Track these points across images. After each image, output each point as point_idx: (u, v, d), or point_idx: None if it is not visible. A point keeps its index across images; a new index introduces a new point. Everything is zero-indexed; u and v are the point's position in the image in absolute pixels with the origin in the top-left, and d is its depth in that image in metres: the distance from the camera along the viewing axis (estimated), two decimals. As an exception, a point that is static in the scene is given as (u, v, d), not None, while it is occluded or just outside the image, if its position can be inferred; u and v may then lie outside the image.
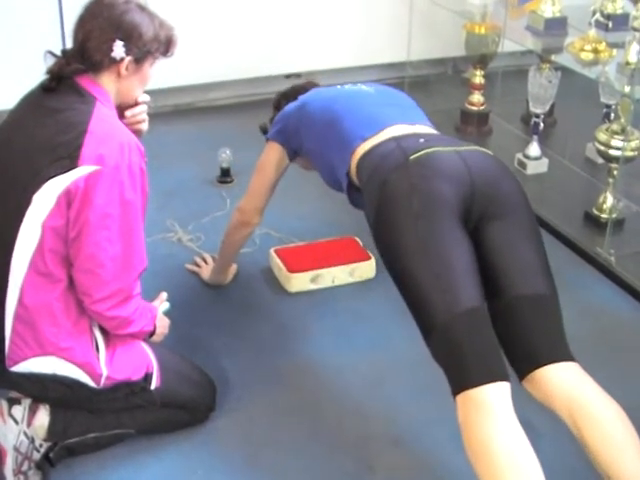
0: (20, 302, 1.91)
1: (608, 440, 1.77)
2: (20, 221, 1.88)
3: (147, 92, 2.16)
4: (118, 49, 1.95)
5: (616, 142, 3.11)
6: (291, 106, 2.52)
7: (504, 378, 1.79)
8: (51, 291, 1.92)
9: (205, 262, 2.91)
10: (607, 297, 2.87)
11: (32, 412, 2.02)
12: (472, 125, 4.07)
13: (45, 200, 1.86)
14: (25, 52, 3.43)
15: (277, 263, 2.86)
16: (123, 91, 2.05)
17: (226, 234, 2.71)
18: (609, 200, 3.22)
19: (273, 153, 2.55)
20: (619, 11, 3.37)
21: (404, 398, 2.34)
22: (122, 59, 1.97)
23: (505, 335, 1.89)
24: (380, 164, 2.02)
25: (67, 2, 3.52)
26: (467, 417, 1.76)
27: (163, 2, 3.29)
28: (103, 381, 2.01)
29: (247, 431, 2.24)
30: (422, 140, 2.04)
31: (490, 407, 1.74)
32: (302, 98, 2.51)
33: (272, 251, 2.91)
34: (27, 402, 2.03)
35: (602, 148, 3.16)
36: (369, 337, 2.57)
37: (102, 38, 1.95)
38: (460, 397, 1.79)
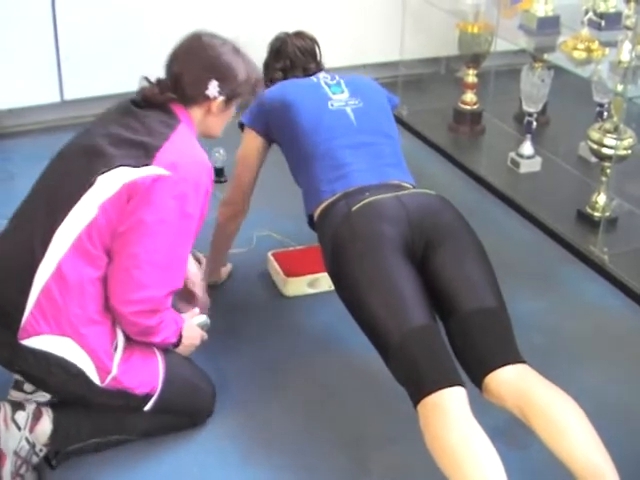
0: (54, 276, 1.90)
1: (553, 425, 1.84)
2: (79, 196, 1.91)
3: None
4: (213, 88, 2.04)
5: (609, 141, 3.12)
6: (273, 94, 2.51)
7: (459, 384, 1.90)
8: (87, 274, 1.93)
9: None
10: (600, 295, 2.89)
11: (35, 419, 2.01)
12: (465, 124, 4.08)
13: (109, 184, 1.90)
14: (16, 52, 3.43)
15: (275, 267, 2.86)
16: (208, 125, 2.14)
17: (217, 231, 2.72)
18: (602, 199, 3.23)
19: (253, 143, 2.60)
20: (612, 10, 3.39)
21: (399, 397, 2.34)
22: (215, 98, 2.05)
23: (460, 350, 2.02)
24: (331, 224, 2.22)
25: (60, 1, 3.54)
26: (426, 420, 1.87)
27: (156, 4, 3.33)
28: (108, 380, 1.99)
29: (243, 431, 2.24)
30: (367, 193, 2.23)
31: (446, 408, 1.85)
32: (286, 94, 2.48)
33: (270, 255, 2.92)
34: (31, 408, 2.02)
35: (595, 147, 3.17)
36: (365, 341, 2.56)
37: (198, 75, 2.05)
38: (420, 405, 1.90)
